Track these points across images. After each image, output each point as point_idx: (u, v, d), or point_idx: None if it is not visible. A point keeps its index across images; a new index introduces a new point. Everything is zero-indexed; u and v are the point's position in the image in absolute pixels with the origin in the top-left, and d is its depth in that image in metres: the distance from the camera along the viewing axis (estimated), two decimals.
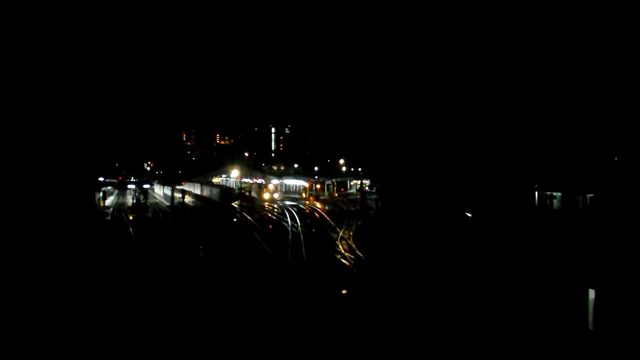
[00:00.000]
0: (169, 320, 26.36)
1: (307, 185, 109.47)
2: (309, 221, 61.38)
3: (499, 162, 44.10)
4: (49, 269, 34.28)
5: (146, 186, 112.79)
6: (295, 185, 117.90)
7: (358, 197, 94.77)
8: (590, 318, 24.83)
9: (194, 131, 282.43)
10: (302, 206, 78.74)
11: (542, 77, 41.39)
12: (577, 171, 39.08)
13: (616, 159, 38.70)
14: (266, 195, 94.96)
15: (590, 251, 28.77)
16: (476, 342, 23.44)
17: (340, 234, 52.01)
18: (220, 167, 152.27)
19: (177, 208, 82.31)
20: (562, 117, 40.46)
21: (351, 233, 53.03)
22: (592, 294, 24.99)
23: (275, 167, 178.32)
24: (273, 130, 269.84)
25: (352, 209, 76.05)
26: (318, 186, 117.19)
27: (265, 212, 72.48)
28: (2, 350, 22.13)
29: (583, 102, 39.33)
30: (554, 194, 41.25)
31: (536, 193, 42.39)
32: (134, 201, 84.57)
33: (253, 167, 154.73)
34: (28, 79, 42.01)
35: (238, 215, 67.98)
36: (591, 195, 38.24)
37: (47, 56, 43.59)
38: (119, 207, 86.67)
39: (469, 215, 46.04)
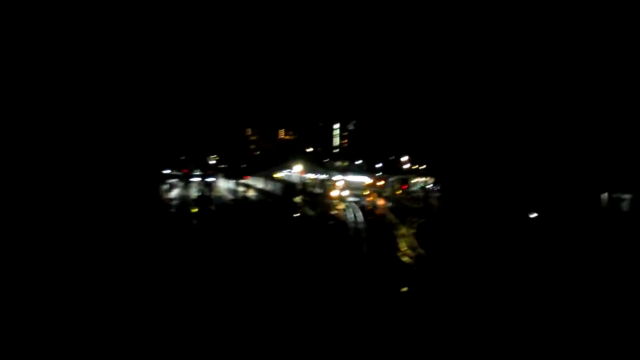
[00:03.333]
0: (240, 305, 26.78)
1: (369, 181, 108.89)
2: (370, 218, 61.16)
3: (566, 162, 43.15)
4: (118, 258, 35.12)
5: (210, 179, 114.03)
6: (358, 182, 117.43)
7: (421, 195, 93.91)
8: None
9: (257, 126, 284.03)
10: (364, 202, 78.49)
11: (608, 75, 40.33)
12: None
13: None
14: (335, 193, 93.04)
15: None
16: (537, 339, 23.12)
17: (402, 231, 51.73)
18: (283, 162, 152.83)
19: (240, 202, 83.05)
20: (632, 117, 39.34)
21: (413, 231, 52.70)
22: None
23: (338, 163, 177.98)
24: (337, 126, 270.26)
25: (414, 206, 75.47)
26: (380, 183, 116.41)
27: (326, 208, 72.49)
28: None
29: None
30: (623, 195, 40.16)
31: (605, 195, 41.35)
32: (199, 194, 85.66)
33: (316, 162, 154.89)
34: (101, 77, 43.07)
35: (300, 210, 68.25)
36: None
37: (120, 54, 44.59)
38: (184, 199, 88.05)
39: (535, 215, 45.19)
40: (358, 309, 27.71)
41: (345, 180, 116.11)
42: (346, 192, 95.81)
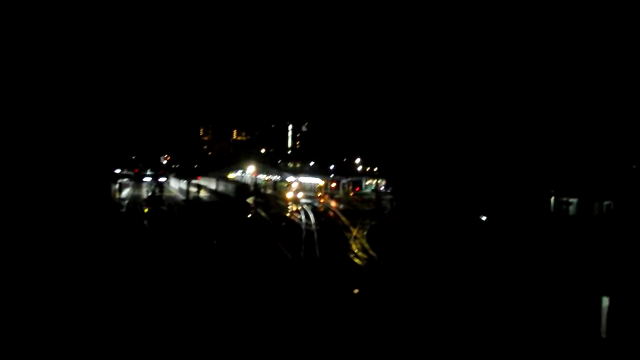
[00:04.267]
0: (179, 312, 26.45)
1: (322, 183, 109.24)
2: (322, 219, 61.31)
3: (515, 166, 43.84)
4: (65, 259, 34.45)
5: (162, 179, 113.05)
6: (311, 184, 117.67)
7: (373, 196, 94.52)
8: (604, 325, 24.67)
9: (211, 126, 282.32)
10: (316, 204, 78.63)
11: (562, 83, 41.09)
12: (594, 178, 38.78)
13: (635, 167, 38.36)
14: (289, 195, 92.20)
15: (605, 258, 28.56)
16: (485, 346, 23.32)
17: (354, 233, 51.92)
18: (236, 163, 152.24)
19: (192, 202, 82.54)
20: (581, 123, 40.16)
21: (365, 232, 52.93)
22: (605, 301, 24.82)
23: (291, 165, 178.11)
24: (290, 127, 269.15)
25: (367, 208, 75.89)
26: (333, 185, 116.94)
27: (279, 209, 72.45)
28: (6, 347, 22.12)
29: (602, 109, 39.01)
30: (570, 200, 40.96)
31: (552, 199, 42.10)
32: (150, 194, 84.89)
33: (269, 163, 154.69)
34: (47, 73, 42.23)
35: (252, 211, 68.06)
36: (607, 202, 37.95)
37: (64, 50, 43.79)
38: (135, 199, 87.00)
39: (484, 218, 45.83)
40: (309, 311, 27.66)
41: (299, 182, 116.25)
42: (300, 194, 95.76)
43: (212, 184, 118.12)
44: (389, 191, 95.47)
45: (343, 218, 61.80)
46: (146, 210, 69.75)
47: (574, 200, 40.87)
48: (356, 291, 31.91)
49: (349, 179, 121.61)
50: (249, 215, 65.94)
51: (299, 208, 69.66)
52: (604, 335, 24.59)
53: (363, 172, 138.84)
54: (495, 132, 45.86)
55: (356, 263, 40.04)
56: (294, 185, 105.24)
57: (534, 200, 42.16)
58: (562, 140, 41.08)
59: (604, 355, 23.44)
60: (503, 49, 44.13)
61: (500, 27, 43.80)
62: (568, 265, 29.96)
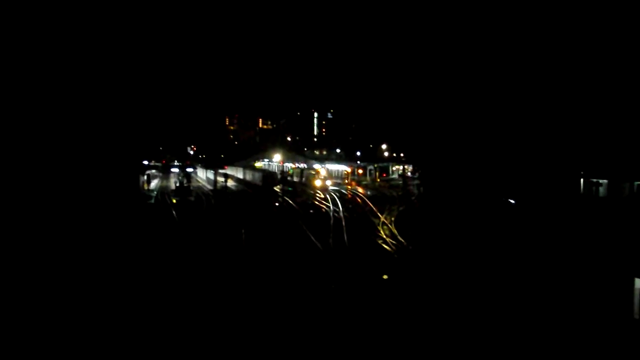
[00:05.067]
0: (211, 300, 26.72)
1: (349, 170, 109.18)
2: (350, 206, 61.33)
3: (543, 148, 43.39)
4: (96, 250, 34.90)
5: (189, 170, 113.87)
6: (338, 171, 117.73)
7: (400, 182, 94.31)
8: (637, 307, 24.49)
9: (236, 115, 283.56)
10: (344, 191, 78.64)
11: (588, 61, 40.52)
12: (625, 158, 38.22)
13: None
14: (318, 183, 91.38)
15: (637, 239, 28.23)
16: (518, 329, 23.26)
17: (382, 219, 51.89)
18: (263, 152, 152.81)
19: (219, 192, 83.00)
20: (609, 101, 39.58)
21: (393, 218, 52.89)
22: (638, 282, 24.63)
23: (317, 152, 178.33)
24: (315, 114, 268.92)
25: (394, 194, 75.76)
26: (360, 171, 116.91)
27: (307, 197, 72.55)
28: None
29: (630, 87, 38.40)
30: (600, 181, 40.45)
31: (582, 180, 41.61)
32: (178, 185, 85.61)
33: (295, 151, 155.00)
34: (76, 66, 42.63)
35: (280, 199, 68.29)
36: (639, 182, 37.42)
37: (93, 44, 44.15)
38: (163, 190, 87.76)
39: (512, 201, 45.48)
40: (339, 297, 27.78)
41: (326, 169, 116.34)
42: (328, 181, 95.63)
43: (239, 173, 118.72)
44: (416, 176, 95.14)
45: (371, 204, 61.75)
46: (174, 200, 70.35)
47: (604, 181, 40.30)
48: (385, 277, 31.95)
49: (375, 165, 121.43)
50: (277, 204, 66.15)
51: (327, 195, 69.69)
52: (636, 317, 24.43)
53: (389, 158, 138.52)
54: (522, 113, 45.40)
55: (385, 249, 40.04)
56: (322, 173, 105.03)
57: (564, 182, 41.70)
58: (591, 120, 40.53)
59: (637, 336, 23.31)
60: (524, 30, 43.65)
61: (525, 9, 43.29)
62: (600, 247, 29.66)
